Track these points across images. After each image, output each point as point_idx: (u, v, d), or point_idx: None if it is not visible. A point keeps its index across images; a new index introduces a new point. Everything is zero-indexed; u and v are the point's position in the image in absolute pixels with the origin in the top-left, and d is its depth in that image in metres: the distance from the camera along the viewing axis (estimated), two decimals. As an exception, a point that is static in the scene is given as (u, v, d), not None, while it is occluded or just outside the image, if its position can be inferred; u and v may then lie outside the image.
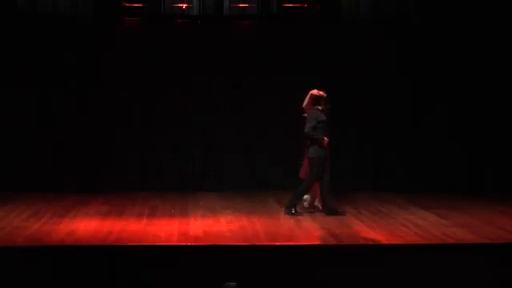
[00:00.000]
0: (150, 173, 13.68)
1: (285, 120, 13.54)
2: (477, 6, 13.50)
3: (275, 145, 13.64)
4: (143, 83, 13.52)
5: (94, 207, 11.73)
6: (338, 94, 12.19)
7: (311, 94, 11.31)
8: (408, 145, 13.69)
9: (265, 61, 13.54)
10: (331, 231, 9.88)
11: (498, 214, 11.44)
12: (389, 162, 13.67)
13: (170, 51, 13.58)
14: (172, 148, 13.70)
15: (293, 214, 11.06)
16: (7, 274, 8.37)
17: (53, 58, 13.39)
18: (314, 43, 13.62)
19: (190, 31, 13.81)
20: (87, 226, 10.17)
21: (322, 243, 9.32)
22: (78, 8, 13.47)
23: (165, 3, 13.62)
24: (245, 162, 13.69)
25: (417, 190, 13.26)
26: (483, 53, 13.65)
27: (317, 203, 11.49)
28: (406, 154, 13.69)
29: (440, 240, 9.39)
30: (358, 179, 13.45)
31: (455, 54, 13.68)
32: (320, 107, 11.18)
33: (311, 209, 11.42)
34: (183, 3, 13.80)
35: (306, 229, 10.15)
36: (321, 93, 11.28)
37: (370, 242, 9.25)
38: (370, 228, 10.12)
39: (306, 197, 11.52)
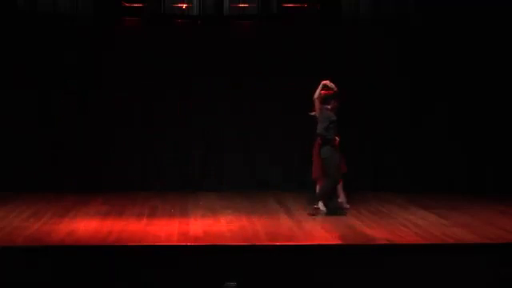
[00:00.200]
0: (150, 173, 13.69)
1: (285, 120, 13.56)
2: (477, 6, 13.50)
3: (275, 145, 13.65)
4: (143, 83, 13.52)
5: (93, 207, 11.72)
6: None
7: (323, 85, 11.29)
8: (408, 145, 13.69)
9: (265, 61, 13.54)
10: (331, 231, 9.88)
11: (498, 214, 11.44)
12: (389, 162, 13.67)
13: (170, 51, 13.58)
14: (172, 148, 13.70)
15: (337, 213, 11.07)
16: (7, 274, 8.36)
17: (53, 58, 13.39)
18: (314, 43, 13.62)
19: (190, 31, 13.81)
20: (87, 226, 10.17)
21: (322, 243, 9.31)
22: (78, 8, 13.47)
23: (165, 3, 13.63)
24: (245, 161, 13.69)
25: (417, 189, 13.26)
26: (483, 53, 13.65)
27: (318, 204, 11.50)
28: (405, 154, 13.69)
29: (440, 240, 9.38)
30: (358, 179, 13.45)
31: (455, 54, 13.69)
32: (329, 106, 11.17)
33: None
34: (183, 3, 13.80)
35: (306, 229, 10.15)
36: (332, 85, 11.25)
37: (370, 242, 9.25)
38: (370, 228, 10.12)
39: (341, 199, 11.54)
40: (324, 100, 11.21)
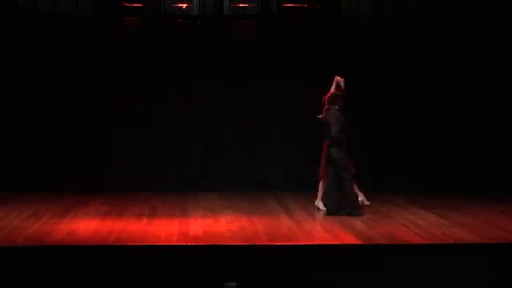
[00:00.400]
0: (150, 173, 13.69)
1: (285, 120, 13.56)
2: (477, 6, 13.50)
3: (275, 145, 13.65)
4: (143, 83, 13.52)
5: (93, 207, 11.72)
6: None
7: (336, 83, 11.29)
8: (408, 145, 13.69)
9: (265, 61, 13.54)
10: (331, 231, 9.88)
11: (498, 214, 11.44)
12: (389, 162, 13.67)
13: (170, 51, 13.59)
14: (172, 148, 13.70)
15: (356, 214, 11.08)
16: (7, 274, 8.36)
17: (53, 58, 13.39)
18: (314, 43, 13.62)
19: (190, 31, 13.81)
20: (87, 226, 10.16)
21: (322, 243, 9.31)
22: (78, 8, 13.47)
23: (165, 3, 13.63)
24: (245, 161, 13.70)
25: (417, 189, 13.26)
26: (483, 53, 13.65)
27: (317, 203, 11.50)
28: (405, 154, 13.69)
29: (440, 240, 9.38)
30: (358, 179, 13.43)
31: (455, 54, 13.69)
32: (337, 107, 11.17)
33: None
34: (183, 3, 13.80)
35: (306, 229, 10.14)
36: (343, 84, 11.24)
37: (370, 242, 9.25)
38: (370, 228, 10.12)
39: (360, 198, 11.61)
40: (332, 101, 11.20)
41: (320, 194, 11.45)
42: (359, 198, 11.62)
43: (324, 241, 9.39)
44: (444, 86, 13.71)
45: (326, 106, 11.22)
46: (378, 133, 13.63)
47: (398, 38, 13.71)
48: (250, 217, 10.95)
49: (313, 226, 10.33)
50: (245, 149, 13.71)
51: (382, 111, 13.66)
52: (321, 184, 11.42)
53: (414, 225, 10.38)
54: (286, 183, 13.64)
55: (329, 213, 11.12)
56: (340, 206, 11.22)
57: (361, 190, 11.69)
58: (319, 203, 11.46)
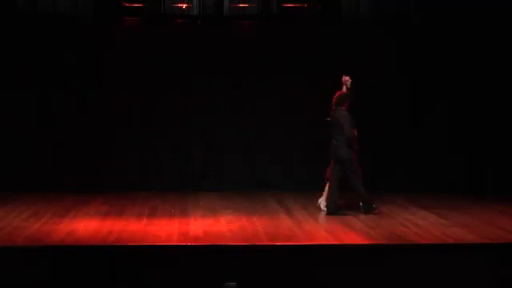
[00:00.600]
0: (150, 173, 13.69)
1: (285, 120, 13.56)
2: (477, 6, 13.50)
3: (275, 145, 13.65)
4: (143, 83, 13.52)
5: (94, 207, 11.72)
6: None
7: (343, 79, 11.30)
8: (408, 145, 13.69)
9: (265, 61, 13.54)
10: (331, 231, 9.88)
11: (498, 214, 11.44)
12: (389, 162, 13.68)
13: (170, 51, 13.59)
14: (172, 148, 13.70)
15: (372, 209, 11.14)
16: (7, 274, 8.36)
17: (53, 58, 13.40)
18: (314, 43, 13.62)
19: (190, 31, 13.81)
20: (87, 226, 10.16)
21: (322, 243, 9.31)
22: (78, 8, 13.48)
23: (165, 3, 13.63)
24: (245, 161, 13.70)
25: (417, 189, 13.26)
26: (483, 53, 13.65)
27: (320, 201, 11.50)
28: (405, 154, 13.69)
29: (440, 240, 9.38)
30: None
31: (455, 54, 13.69)
32: (344, 107, 11.17)
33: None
34: (183, 3, 13.80)
35: (306, 229, 10.14)
36: (347, 80, 11.26)
37: (371, 242, 9.25)
38: (370, 228, 10.12)
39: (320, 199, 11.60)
40: (339, 101, 11.18)
41: (325, 193, 11.45)
42: (320, 199, 11.57)
43: (324, 241, 9.39)
44: (444, 85, 13.72)
45: (334, 107, 11.18)
46: (378, 133, 13.63)
47: (397, 37, 13.71)
48: (250, 217, 10.95)
49: (313, 226, 10.33)
50: (245, 149, 13.71)
51: (382, 111, 13.66)
52: (328, 184, 11.40)
53: (414, 225, 10.38)
54: (286, 183, 13.64)
55: (329, 213, 11.12)
56: (340, 206, 11.23)
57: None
58: (322, 202, 11.45)
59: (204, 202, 12.38)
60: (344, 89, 11.34)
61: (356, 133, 11.18)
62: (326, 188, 11.42)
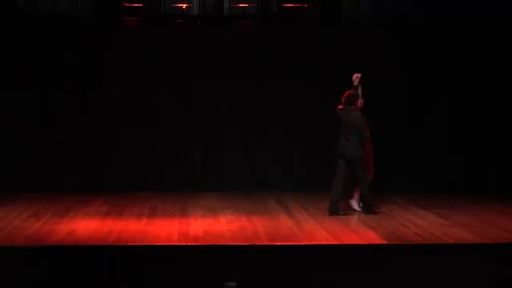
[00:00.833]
0: (150, 173, 13.69)
1: (285, 120, 13.56)
2: (477, 6, 13.50)
3: (275, 145, 13.65)
4: (143, 83, 13.52)
5: (93, 207, 11.73)
6: (337, 94, 12.15)
7: (356, 80, 11.30)
8: (408, 145, 13.69)
9: (265, 61, 13.54)
10: (331, 231, 9.88)
11: (498, 214, 11.45)
12: (389, 162, 13.66)
13: (170, 51, 13.59)
14: (172, 148, 13.70)
15: (373, 211, 11.18)
16: (7, 274, 8.36)
17: (53, 58, 13.40)
18: (314, 43, 13.62)
19: (190, 31, 13.82)
20: (87, 226, 10.16)
21: (322, 243, 9.30)
22: (78, 8, 13.48)
23: (165, 3, 13.63)
24: (245, 161, 13.70)
25: (417, 189, 13.26)
26: (483, 53, 13.65)
27: (352, 203, 11.54)
28: (406, 154, 13.69)
29: (440, 240, 9.39)
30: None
31: (455, 54, 13.69)
32: (354, 106, 11.16)
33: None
34: (183, 3, 13.80)
35: (306, 229, 10.14)
36: (354, 78, 11.26)
37: (370, 242, 9.25)
38: (370, 228, 10.12)
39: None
40: (350, 100, 11.15)
41: (356, 194, 11.47)
42: (351, 200, 11.59)
43: (324, 241, 9.38)
44: (444, 85, 13.71)
45: (343, 106, 11.14)
46: (378, 133, 13.60)
47: (398, 37, 13.71)
48: (250, 217, 10.95)
49: (313, 226, 10.32)
50: (245, 149, 13.71)
51: (382, 111, 13.65)
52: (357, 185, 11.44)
53: (413, 225, 10.38)
54: (286, 183, 13.64)
55: (330, 213, 11.11)
56: (339, 207, 11.23)
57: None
58: (353, 204, 11.48)
59: (204, 202, 12.38)
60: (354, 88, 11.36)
61: (369, 133, 11.22)
62: (356, 189, 11.43)
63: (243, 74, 13.57)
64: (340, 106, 11.16)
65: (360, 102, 11.34)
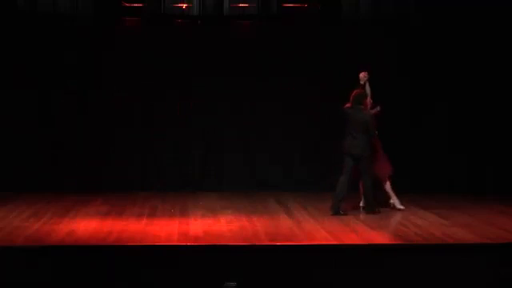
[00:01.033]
0: (150, 173, 13.69)
1: (285, 120, 13.56)
2: (477, 6, 13.50)
3: (275, 145, 13.65)
4: (143, 83, 13.52)
5: (93, 207, 11.73)
6: (337, 94, 12.16)
7: (363, 78, 11.32)
8: (408, 145, 13.68)
9: (265, 61, 13.54)
10: (331, 231, 9.88)
11: (498, 214, 11.45)
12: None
13: (170, 51, 13.59)
14: (172, 148, 13.70)
15: (374, 211, 11.22)
16: (7, 274, 8.36)
17: (53, 58, 13.40)
18: (314, 43, 13.62)
19: (190, 31, 13.81)
20: (87, 226, 10.16)
21: (322, 243, 9.30)
22: (78, 8, 13.47)
23: (165, 3, 13.62)
24: (245, 161, 13.70)
25: (417, 189, 13.25)
26: (483, 53, 13.65)
27: (392, 203, 11.59)
28: (405, 154, 13.67)
29: (440, 240, 9.38)
30: (357, 179, 13.42)
31: (455, 54, 13.69)
32: (363, 106, 11.16)
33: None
34: (183, 3, 13.80)
35: (306, 229, 10.14)
36: (360, 76, 11.28)
37: (370, 242, 9.25)
38: (370, 228, 10.12)
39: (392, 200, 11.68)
40: (358, 100, 11.14)
41: (391, 193, 11.53)
42: (390, 201, 11.61)
43: (324, 241, 9.38)
44: (444, 85, 13.72)
45: (351, 104, 11.12)
46: (377, 133, 13.60)
47: (398, 37, 13.71)
48: (250, 217, 10.95)
49: (313, 226, 10.32)
50: (245, 149, 13.71)
51: (381, 111, 13.63)
52: (387, 184, 11.49)
53: (413, 225, 10.38)
54: (286, 183, 13.64)
55: (333, 212, 11.09)
56: (341, 207, 11.23)
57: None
58: (395, 202, 11.50)
59: (204, 202, 12.39)
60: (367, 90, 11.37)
61: (377, 133, 11.25)
62: (387, 188, 11.49)
63: (243, 74, 13.57)
64: (348, 105, 11.15)
65: (369, 100, 11.34)
